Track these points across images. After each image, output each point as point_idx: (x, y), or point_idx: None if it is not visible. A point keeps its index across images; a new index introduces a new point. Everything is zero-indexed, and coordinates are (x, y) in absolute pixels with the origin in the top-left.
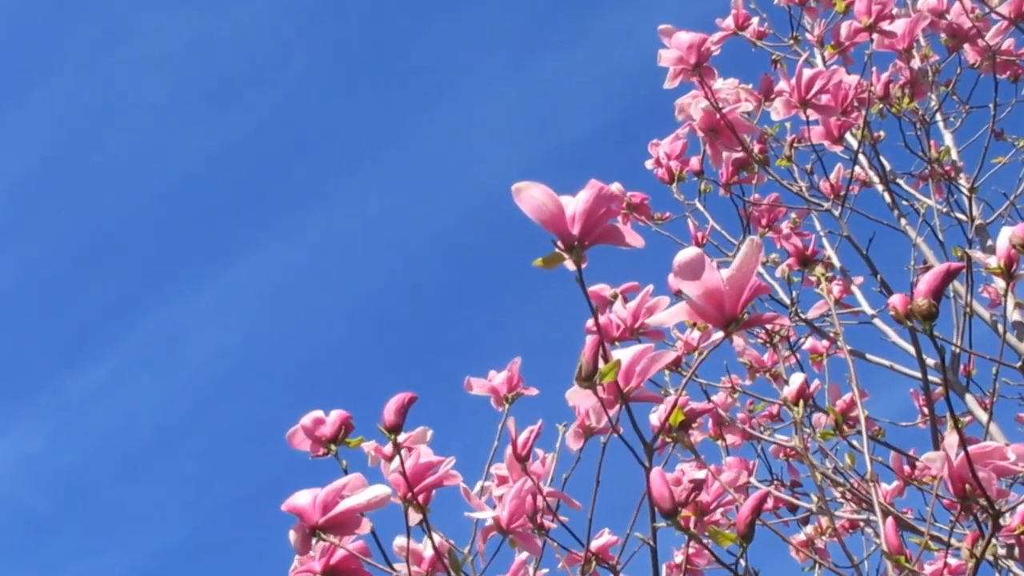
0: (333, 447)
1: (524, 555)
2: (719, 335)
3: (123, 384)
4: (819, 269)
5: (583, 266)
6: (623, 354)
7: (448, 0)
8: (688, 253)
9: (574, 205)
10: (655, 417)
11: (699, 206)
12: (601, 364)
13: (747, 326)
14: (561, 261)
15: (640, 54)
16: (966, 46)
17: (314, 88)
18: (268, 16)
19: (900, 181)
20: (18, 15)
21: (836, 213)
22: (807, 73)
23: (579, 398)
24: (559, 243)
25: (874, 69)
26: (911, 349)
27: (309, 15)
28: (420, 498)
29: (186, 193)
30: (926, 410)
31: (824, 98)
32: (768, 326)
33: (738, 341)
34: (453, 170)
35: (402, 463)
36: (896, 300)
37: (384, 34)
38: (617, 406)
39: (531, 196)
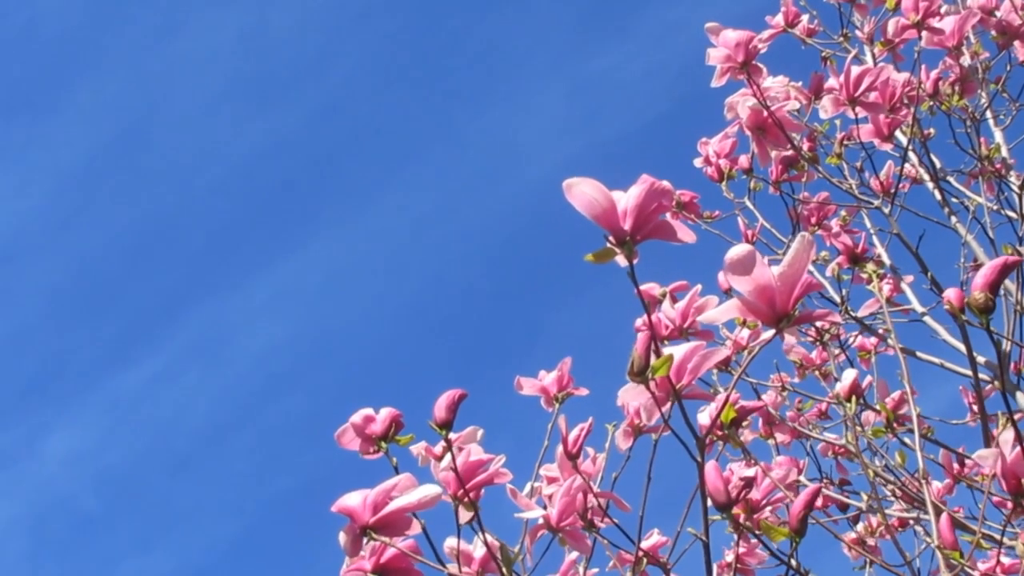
0: (383, 445)
1: (574, 555)
2: (770, 333)
3: (173, 380)
4: (870, 267)
5: (635, 261)
6: (675, 351)
7: None
8: (739, 249)
9: (626, 200)
10: (705, 415)
11: (749, 204)
12: (653, 360)
13: (798, 323)
14: (612, 256)
15: (688, 48)
16: (1016, 43)
17: (363, 84)
18: (318, 11)
19: (950, 178)
20: (69, 10)
21: (886, 211)
22: (855, 70)
23: (631, 395)
24: (611, 238)
25: (923, 66)
26: (962, 347)
27: (358, 10)
28: (470, 496)
29: (235, 189)
30: (975, 407)
31: (873, 95)
32: (818, 324)
33: (788, 339)
34: (501, 166)
35: (454, 460)
36: (951, 294)
37: (433, 30)
38: (668, 403)
39: (582, 192)
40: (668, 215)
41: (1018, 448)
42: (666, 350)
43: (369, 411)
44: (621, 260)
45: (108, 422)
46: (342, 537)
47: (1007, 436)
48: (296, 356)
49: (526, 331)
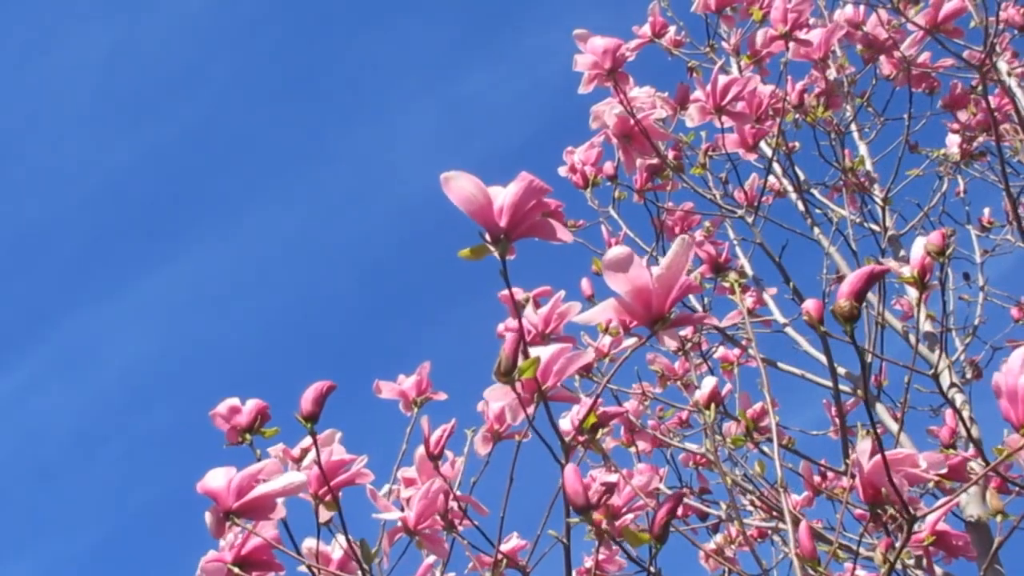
0: (248, 436)
1: (432, 558)
2: (631, 341)
3: (41, 390)
4: (732, 276)
5: (510, 259)
6: (542, 352)
7: (371, 15)
8: (618, 250)
9: (503, 197)
10: (567, 422)
11: (613, 213)
12: (520, 361)
13: (674, 325)
14: (487, 253)
15: (559, 72)
16: (882, 58)
17: (236, 99)
18: (191, 27)
19: (814, 191)
20: None
21: (750, 221)
22: (722, 79)
23: (497, 395)
24: (486, 235)
25: (789, 78)
26: (823, 358)
27: (233, 25)
28: (330, 496)
29: (106, 201)
30: (838, 420)
31: (739, 105)
32: (680, 334)
33: (668, 342)
34: (374, 183)
35: (318, 455)
36: (810, 305)
37: (308, 47)
38: (533, 405)
39: (459, 186)
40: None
41: (876, 458)
42: (533, 351)
43: (235, 401)
44: (497, 257)
45: None
46: (208, 518)
47: (864, 446)
48: (165, 368)
49: (396, 346)
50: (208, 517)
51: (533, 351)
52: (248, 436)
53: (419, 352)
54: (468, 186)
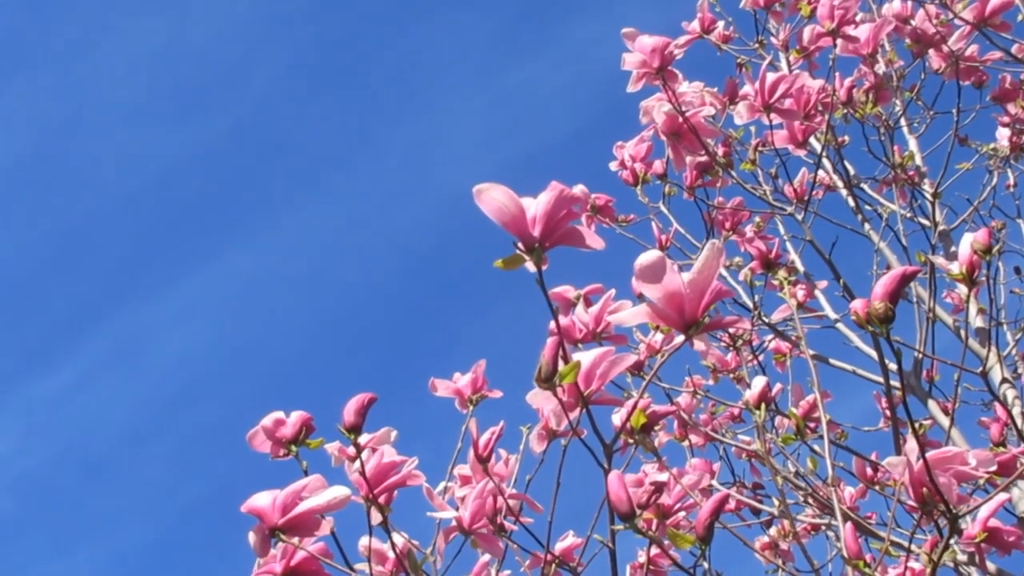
0: (294, 448)
1: (487, 557)
2: (680, 338)
3: (90, 387)
4: (782, 273)
5: (544, 268)
6: (584, 357)
7: (418, 8)
8: (649, 256)
9: (535, 207)
10: (617, 418)
11: (663, 209)
12: (561, 366)
13: (708, 329)
14: (522, 263)
15: (607, 63)
16: (930, 51)
17: (283, 94)
18: (239, 22)
19: (864, 186)
20: None
21: (799, 217)
22: (771, 77)
23: (539, 400)
24: (520, 245)
25: (838, 74)
26: (874, 354)
27: (279, 22)
28: (382, 499)
29: (155, 197)
30: (888, 414)
31: (787, 102)
32: (731, 330)
33: (699, 345)
34: (422, 177)
35: (362, 464)
36: (858, 304)
37: (354, 41)
38: (577, 409)
39: (492, 197)
40: (582, 221)
41: (922, 457)
42: (575, 356)
43: (280, 414)
44: (531, 266)
45: (24, 428)
46: (251, 537)
47: (913, 445)
48: (213, 364)
49: (444, 337)
50: (252, 536)
51: (575, 356)
52: (294, 448)
53: (470, 346)
54: (500, 197)
